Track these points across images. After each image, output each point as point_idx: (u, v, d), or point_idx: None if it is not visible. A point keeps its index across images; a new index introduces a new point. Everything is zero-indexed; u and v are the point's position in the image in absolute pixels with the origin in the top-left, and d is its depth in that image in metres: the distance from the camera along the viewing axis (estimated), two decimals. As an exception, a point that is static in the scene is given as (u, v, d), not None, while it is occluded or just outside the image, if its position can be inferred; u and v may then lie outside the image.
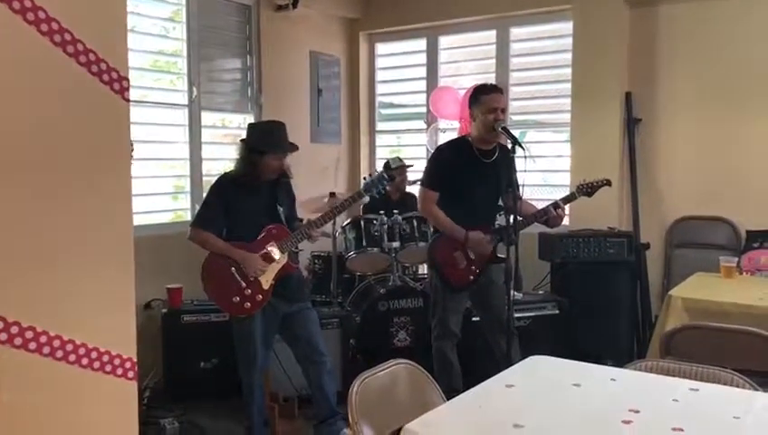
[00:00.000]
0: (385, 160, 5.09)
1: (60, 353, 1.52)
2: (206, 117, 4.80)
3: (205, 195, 3.61)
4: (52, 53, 1.49)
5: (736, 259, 3.96)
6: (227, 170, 3.57)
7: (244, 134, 3.63)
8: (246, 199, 3.45)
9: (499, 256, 3.57)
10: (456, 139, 3.88)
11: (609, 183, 3.67)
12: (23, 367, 1.45)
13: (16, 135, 1.45)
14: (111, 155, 1.63)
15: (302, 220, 3.66)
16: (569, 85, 4.94)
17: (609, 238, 4.52)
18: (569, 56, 4.93)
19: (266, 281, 3.41)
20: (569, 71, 4.93)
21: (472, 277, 3.59)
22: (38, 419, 1.49)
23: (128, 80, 1.64)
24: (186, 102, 4.62)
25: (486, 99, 3.52)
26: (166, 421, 3.74)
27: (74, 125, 1.55)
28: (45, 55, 1.48)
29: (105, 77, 1.58)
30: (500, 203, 3.70)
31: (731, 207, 4.55)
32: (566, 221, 4.80)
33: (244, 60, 5.11)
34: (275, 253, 3.42)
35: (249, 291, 3.39)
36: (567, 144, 5.01)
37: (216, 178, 3.60)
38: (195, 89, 4.65)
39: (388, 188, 3.74)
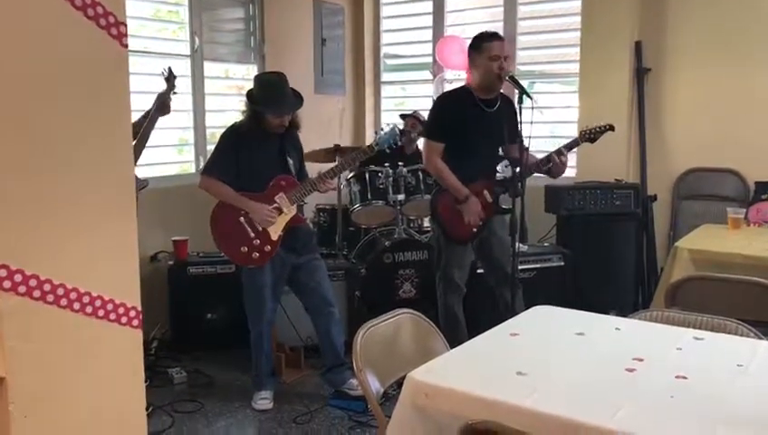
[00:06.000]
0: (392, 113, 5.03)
1: (64, 301, 1.52)
2: (209, 67, 4.73)
3: (215, 143, 3.58)
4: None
5: (744, 211, 3.94)
6: (237, 120, 3.55)
7: (251, 86, 3.58)
8: (256, 150, 3.43)
9: (503, 207, 3.55)
10: (457, 88, 3.82)
11: (612, 128, 3.60)
12: (27, 315, 1.46)
13: (9, 82, 1.42)
14: (110, 102, 1.60)
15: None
16: (578, 34, 4.84)
17: (616, 190, 4.49)
18: (578, 4, 4.82)
19: (275, 232, 3.41)
20: (578, 19, 4.83)
21: (475, 230, 3.57)
22: (43, 366, 1.51)
23: (125, 25, 1.60)
24: (188, 53, 4.56)
25: (487, 46, 3.46)
26: (173, 371, 3.81)
27: (71, 70, 1.52)
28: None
29: (102, 21, 1.55)
30: (501, 153, 3.66)
31: (740, 158, 4.49)
32: (572, 173, 4.78)
33: (247, 9, 5.02)
34: (284, 204, 3.42)
35: (258, 241, 3.39)
36: (575, 95, 4.94)
37: (226, 128, 3.57)
38: (197, 39, 4.57)
39: (400, 142, 3.67)
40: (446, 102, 3.69)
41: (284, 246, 3.45)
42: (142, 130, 3.35)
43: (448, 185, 3.54)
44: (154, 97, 3.50)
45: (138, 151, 3.30)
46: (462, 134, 3.52)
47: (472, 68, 3.57)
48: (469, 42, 3.66)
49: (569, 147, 3.59)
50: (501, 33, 4.87)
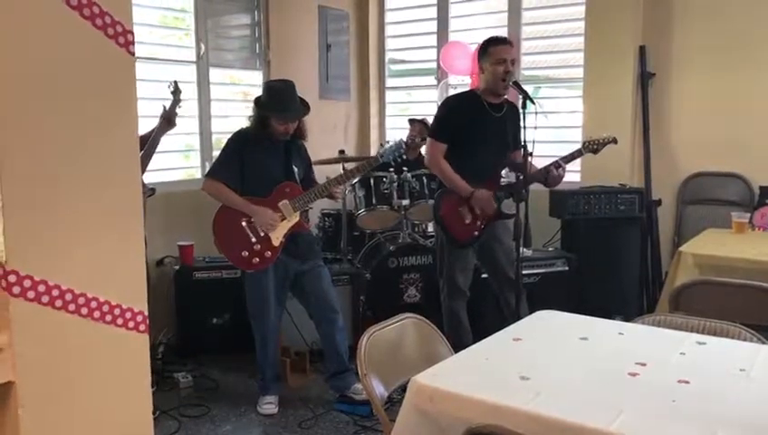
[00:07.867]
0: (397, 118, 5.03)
1: (72, 307, 1.54)
2: (215, 74, 4.76)
3: (221, 148, 3.61)
4: (57, 7, 1.48)
5: (749, 215, 3.94)
6: (244, 126, 3.57)
7: (256, 92, 3.61)
8: (262, 156, 3.46)
9: (506, 212, 3.56)
10: (465, 91, 3.85)
11: (615, 141, 3.65)
12: (36, 320, 1.47)
13: (19, 90, 1.44)
14: (118, 109, 1.62)
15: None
16: (582, 39, 4.85)
17: (621, 195, 4.50)
18: (582, 9, 4.84)
19: (276, 238, 3.43)
20: (582, 24, 4.84)
21: (476, 233, 3.58)
22: (52, 370, 1.52)
23: (133, 33, 1.62)
24: (194, 59, 4.59)
25: (495, 50, 3.49)
26: (180, 375, 3.83)
27: (79, 79, 1.54)
28: (51, 10, 1.47)
29: (110, 31, 1.57)
30: (506, 159, 3.68)
31: (744, 162, 4.49)
32: (577, 177, 4.78)
33: (252, 15, 5.05)
34: (287, 211, 3.44)
35: (258, 247, 3.41)
36: (580, 99, 4.95)
37: (233, 133, 3.59)
38: (203, 45, 4.61)
39: (405, 157, 3.72)
40: (453, 104, 3.71)
41: (287, 252, 3.47)
42: (149, 143, 3.38)
43: (452, 183, 3.56)
44: (159, 103, 3.52)
45: (144, 163, 3.34)
46: (467, 137, 3.54)
47: (480, 71, 3.61)
48: (477, 48, 3.70)
49: (567, 159, 3.60)
50: (504, 36, 4.91)
